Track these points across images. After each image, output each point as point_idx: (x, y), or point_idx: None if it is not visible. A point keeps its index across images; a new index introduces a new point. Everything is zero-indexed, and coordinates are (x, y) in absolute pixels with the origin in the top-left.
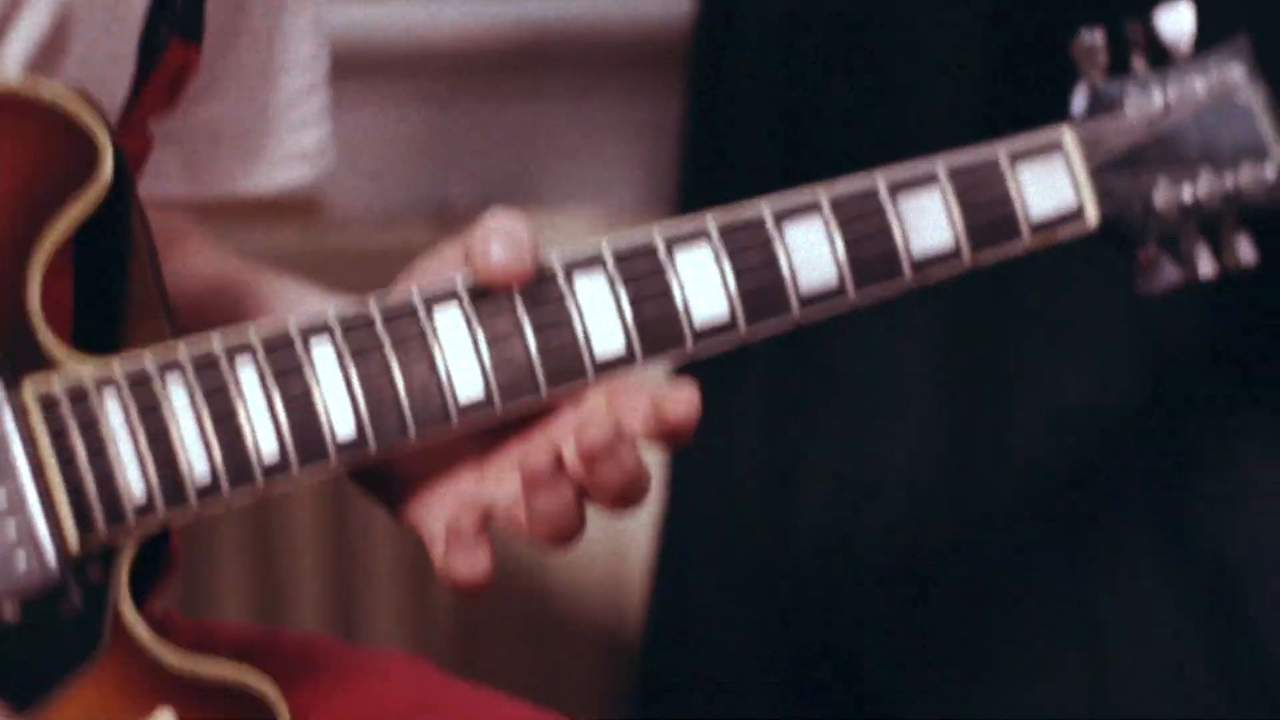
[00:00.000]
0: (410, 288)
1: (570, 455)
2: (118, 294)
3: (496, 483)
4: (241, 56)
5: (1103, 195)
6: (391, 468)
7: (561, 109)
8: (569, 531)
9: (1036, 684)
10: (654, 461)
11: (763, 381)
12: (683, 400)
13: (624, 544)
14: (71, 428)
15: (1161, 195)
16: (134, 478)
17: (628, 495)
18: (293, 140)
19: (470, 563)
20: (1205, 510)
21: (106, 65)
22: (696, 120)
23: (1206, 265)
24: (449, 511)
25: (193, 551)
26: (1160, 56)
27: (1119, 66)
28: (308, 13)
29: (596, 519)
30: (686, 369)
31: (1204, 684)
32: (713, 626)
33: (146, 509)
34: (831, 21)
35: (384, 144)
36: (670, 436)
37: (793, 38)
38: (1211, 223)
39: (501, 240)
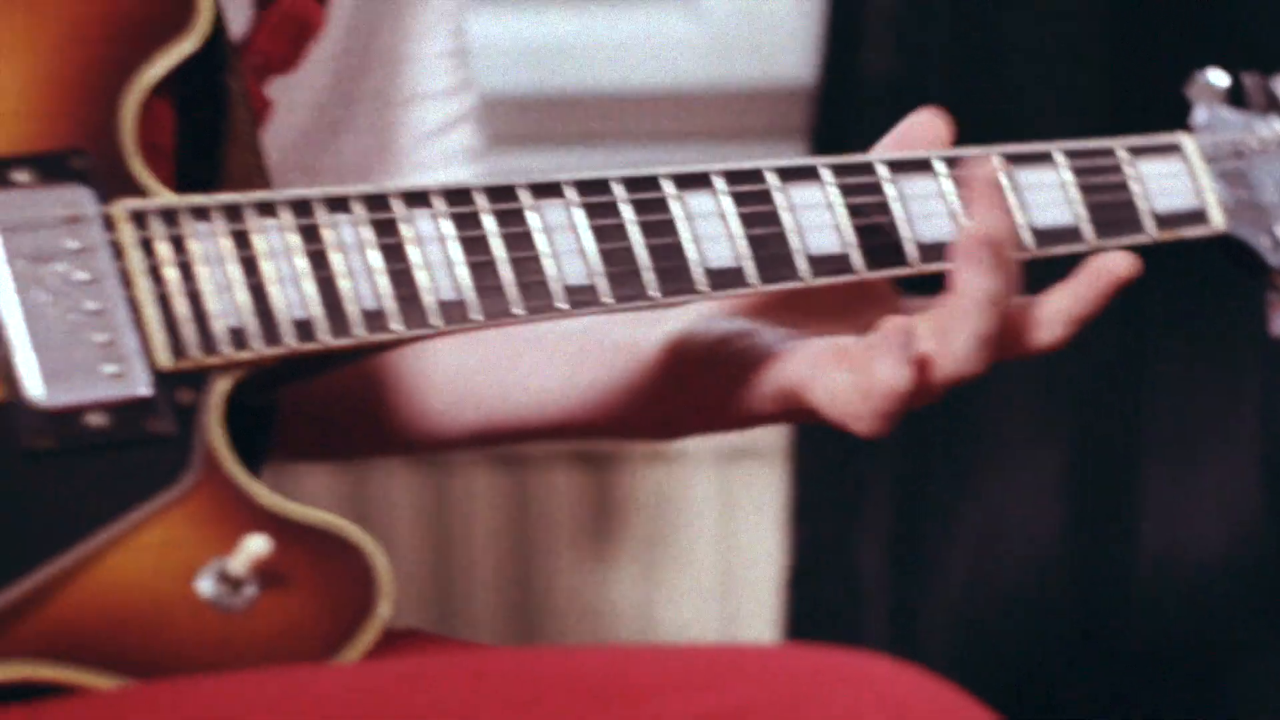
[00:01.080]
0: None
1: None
2: (214, 145)
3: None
4: (373, 84)
5: (1225, 205)
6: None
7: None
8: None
9: None
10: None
11: (892, 486)
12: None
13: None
14: (161, 246)
15: None
16: (226, 303)
17: None
18: (435, 176)
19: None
20: None
21: None
22: None
23: None
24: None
25: None
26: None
27: (1236, 103)
28: (440, 43)
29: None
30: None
31: None
32: None
33: (238, 335)
34: (951, 86)
35: None
36: None
37: (912, 100)
38: None
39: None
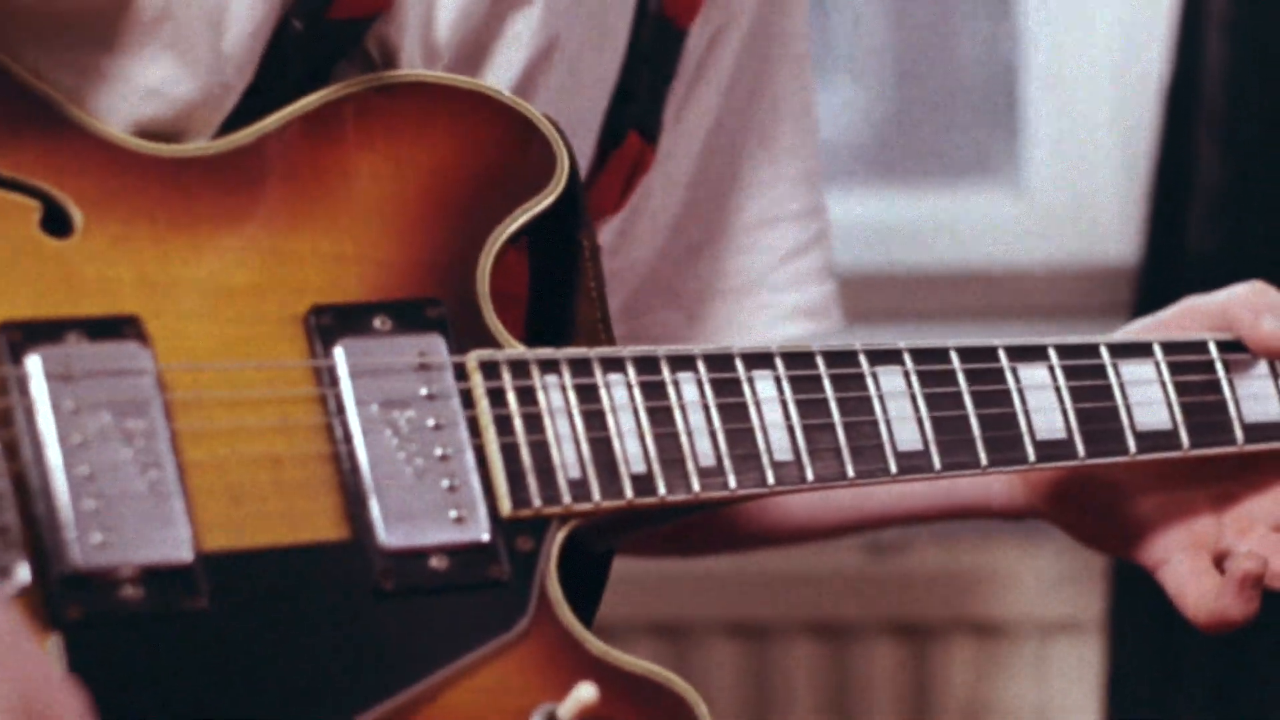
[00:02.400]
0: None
1: None
2: (563, 298)
3: (1236, 531)
4: (732, 208)
5: None
6: (1123, 505)
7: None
8: None
9: None
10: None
11: (1212, 656)
12: None
13: None
14: (510, 396)
15: None
16: (569, 454)
17: None
18: (789, 297)
19: (1242, 604)
20: None
21: (572, 127)
22: None
23: None
24: (1186, 550)
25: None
26: None
27: None
28: (797, 166)
29: None
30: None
31: None
32: None
33: (580, 487)
34: (1276, 264)
35: None
36: None
37: (1235, 279)
38: None
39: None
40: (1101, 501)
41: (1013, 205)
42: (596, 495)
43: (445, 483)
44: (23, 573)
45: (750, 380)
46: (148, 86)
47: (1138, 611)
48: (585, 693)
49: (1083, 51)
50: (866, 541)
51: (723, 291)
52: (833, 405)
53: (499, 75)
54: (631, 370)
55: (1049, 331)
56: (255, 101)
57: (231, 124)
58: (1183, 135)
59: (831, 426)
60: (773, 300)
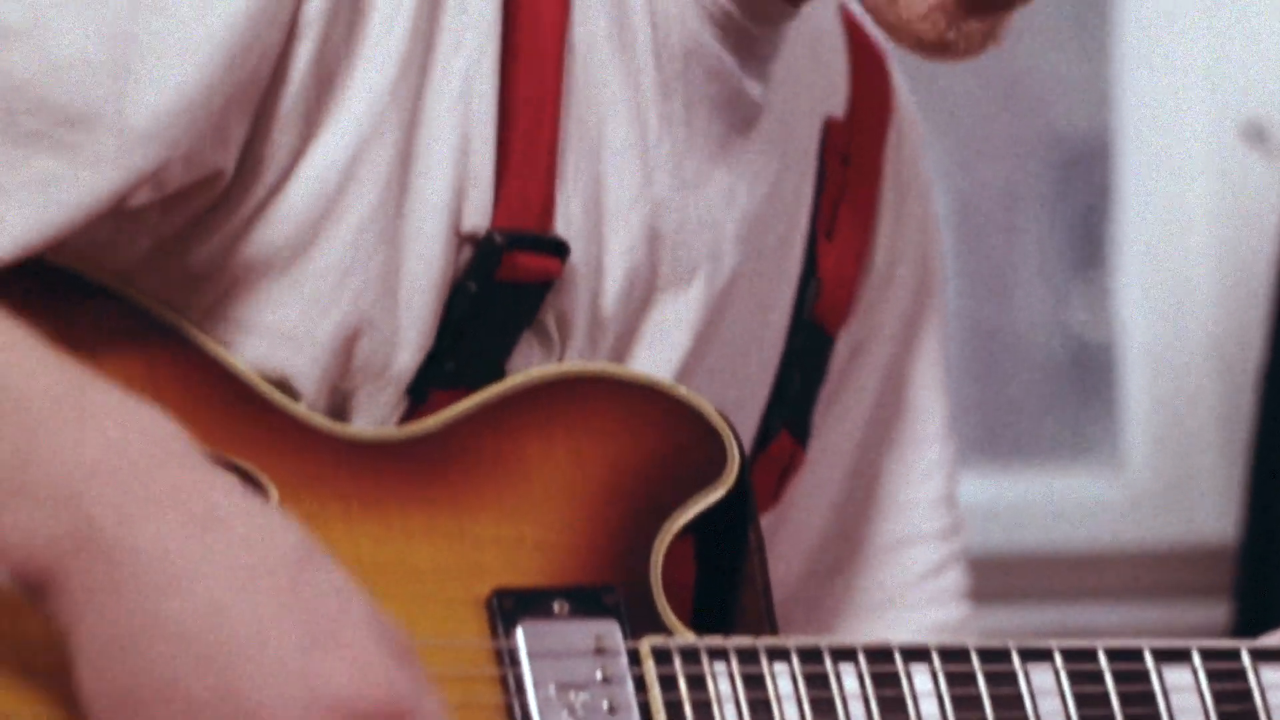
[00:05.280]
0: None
1: None
2: (730, 589)
3: None
4: (873, 527)
5: None
6: None
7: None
8: None
9: None
10: None
11: None
12: None
13: None
14: (681, 683)
15: None
16: None
17: None
18: (926, 615)
19: None
20: None
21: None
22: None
23: None
24: None
25: None
26: None
27: None
28: (936, 488)
29: None
30: None
31: None
32: None
33: None
34: None
35: None
36: None
37: None
38: None
39: None
40: None
41: (1109, 486)
42: None
43: None
44: None
45: (908, 674)
46: (329, 349)
47: None
48: None
49: (1181, 329)
50: None
51: (857, 609)
52: (986, 701)
53: (661, 356)
54: (796, 661)
55: (1147, 615)
56: (437, 371)
57: (418, 387)
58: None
59: None
60: (909, 618)
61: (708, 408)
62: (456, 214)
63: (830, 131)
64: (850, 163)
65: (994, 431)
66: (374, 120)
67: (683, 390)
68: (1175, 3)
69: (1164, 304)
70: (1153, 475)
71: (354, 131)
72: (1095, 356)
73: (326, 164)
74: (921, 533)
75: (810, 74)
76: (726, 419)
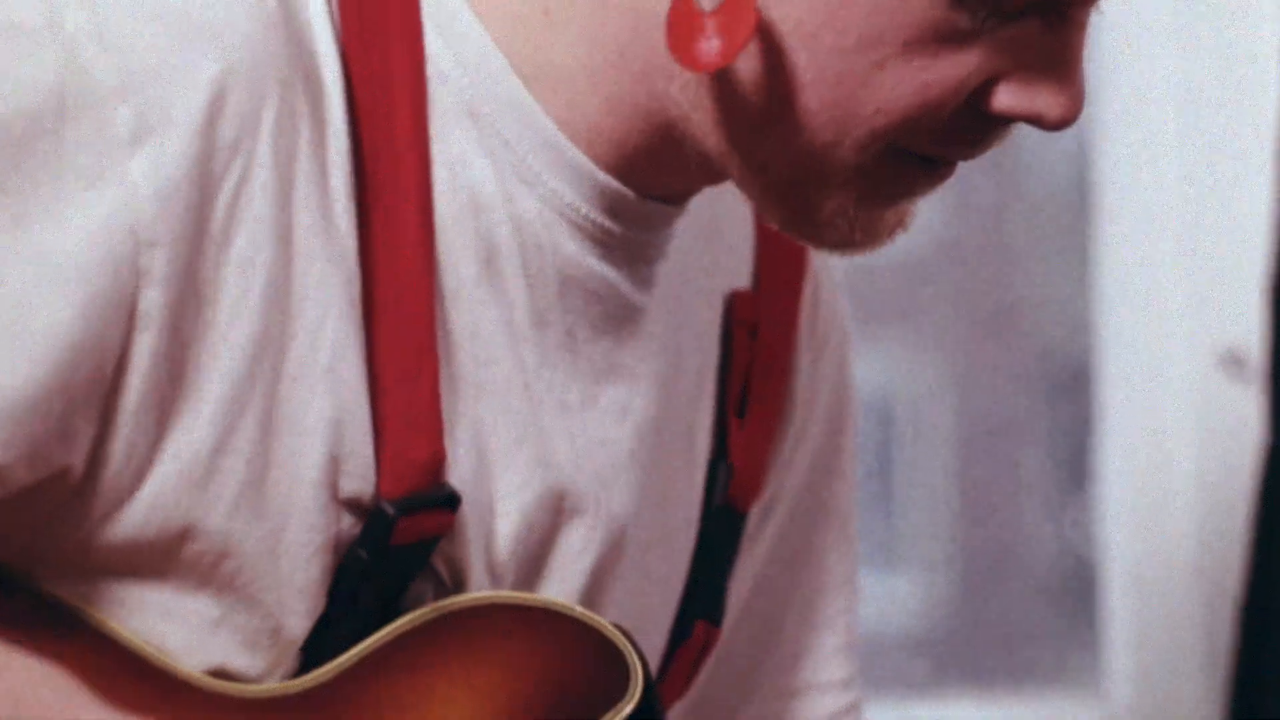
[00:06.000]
0: None
1: None
2: None
3: None
4: (770, 675)
5: None
6: None
7: None
8: None
9: None
10: None
11: None
12: None
13: None
14: None
15: None
16: None
17: None
18: None
19: None
20: None
21: (644, 627)
22: None
23: None
24: None
25: None
26: None
27: None
28: (838, 638)
29: None
30: None
31: None
32: None
33: None
34: None
35: None
36: None
37: None
38: None
39: None
40: None
41: (1088, 711)
42: None
43: None
44: None
45: None
46: (212, 620)
47: None
48: None
49: (1163, 553)
50: None
51: None
52: None
53: (566, 585)
54: None
55: None
56: (330, 631)
57: (309, 652)
58: (1259, 642)
59: None
60: None
61: (606, 626)
62: (333, 483)
63: (735, 304)
64: (759, 333)
65: (964, 650)
66: (235, 404)
67: (578, 610)
68: (1154, 232)
69: (1146, 527)
70: (1134, 699)
71: (214, 417)
72: (1079, 578)
73: (190, 453)
74: (822, 681)
75: (706, 254)
76: (626, 633)
